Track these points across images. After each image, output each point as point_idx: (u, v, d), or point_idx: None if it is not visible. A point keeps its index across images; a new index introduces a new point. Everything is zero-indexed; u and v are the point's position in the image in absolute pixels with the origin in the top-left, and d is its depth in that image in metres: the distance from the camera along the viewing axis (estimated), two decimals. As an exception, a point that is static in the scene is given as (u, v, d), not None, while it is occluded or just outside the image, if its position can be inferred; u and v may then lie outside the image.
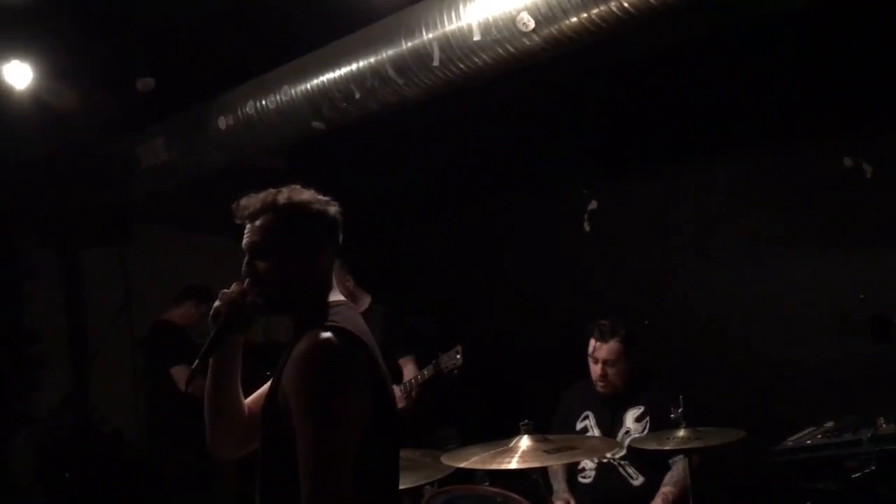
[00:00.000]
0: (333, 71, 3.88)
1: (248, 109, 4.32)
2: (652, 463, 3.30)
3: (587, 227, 4.67)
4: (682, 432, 3.08)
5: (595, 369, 3.54)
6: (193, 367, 1.95)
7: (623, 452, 3.45)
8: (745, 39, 3.94)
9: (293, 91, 4.08)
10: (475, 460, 2.86)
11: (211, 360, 1.98)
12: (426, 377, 4.25)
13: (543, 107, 4.67)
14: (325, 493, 1.69)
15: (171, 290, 5.20)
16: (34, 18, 3.77)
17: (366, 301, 4.65)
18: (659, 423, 3.32)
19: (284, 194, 1.96)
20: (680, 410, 3.11)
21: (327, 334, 1.80)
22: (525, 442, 2.87)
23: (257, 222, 1.94)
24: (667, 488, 3.31)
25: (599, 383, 3.53)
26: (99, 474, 5.20)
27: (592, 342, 3.54)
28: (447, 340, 4.22)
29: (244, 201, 1.97)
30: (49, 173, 5.15)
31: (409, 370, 4.46)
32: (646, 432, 3.44)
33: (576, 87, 4.50)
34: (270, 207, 1.94)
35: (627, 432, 3.49)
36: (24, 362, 5.28)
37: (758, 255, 4.05)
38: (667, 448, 3.04)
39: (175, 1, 3.94)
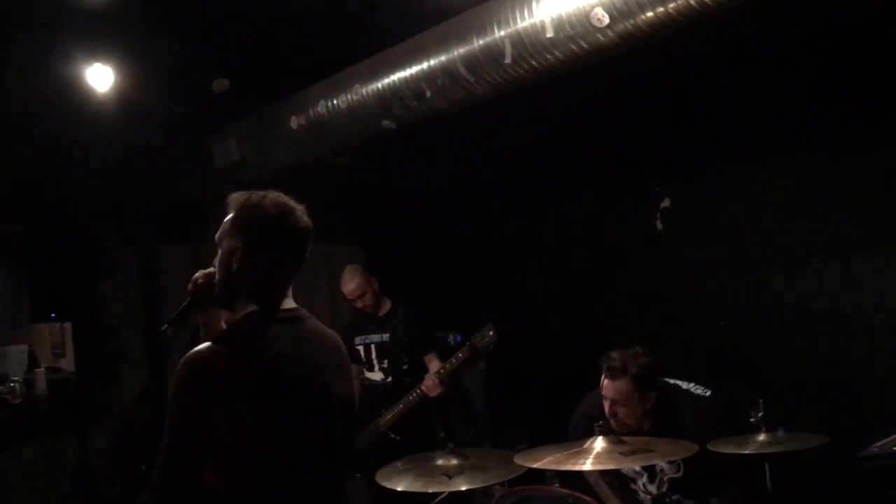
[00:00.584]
0: (404, 70, 3.90)
1: (319, 109, 4.38)
2: (711, 492, 3.10)
3: (659, 226, 4.58)
4: (761, 437, 2.99)
5: (605, 406, 3.23)
6: (163, 328, 2.18)
7: (665, 488, 3.26)
8: (825, 30, 3.81)
9: (364, 90, 4.12)
10: (548, 461, 2.82)
11: (201, 332, 2.14)
12: (461, 359, 4.28)
13: (614, 102, 4.60)
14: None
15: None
16: (115, 22, 3.88)
17: (386, 305, 4.73)
18: (694, 463, 3.03)
19: (254, 198, 2.01)
20: (760, 415, 3.02)
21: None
22: (599, 443, 2.82)
23: (226, 217, 2.05)
24: None
25: (611, 421, 3.18)
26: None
27: (602, 377, 3.24)
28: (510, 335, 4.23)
29: (232, 196, 2.06)
30: (128, 173, 5.30)
31: (433, 365, 4.55)
32: (681, 473, 3.17)
33: (648, 82, 4.42)
34: (236, 206, 2.02)
35: (663, 471, 3.23)
36: (103, 357, 5.45)
37: (842, 256, 3.91)
38: (745, 452, 2.95)
39: (249, 3, 4.01)
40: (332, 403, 1.97)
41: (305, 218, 2.03)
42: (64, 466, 5.29)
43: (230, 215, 2.02)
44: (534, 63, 3.44)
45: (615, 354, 3.22)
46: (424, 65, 3.79)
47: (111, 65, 4.12)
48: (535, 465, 2.84)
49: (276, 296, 2.01)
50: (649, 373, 3.19)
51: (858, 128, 3.80)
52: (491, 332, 4.16)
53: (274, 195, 2.02)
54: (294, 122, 4.52)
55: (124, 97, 4.29)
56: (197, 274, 2.09)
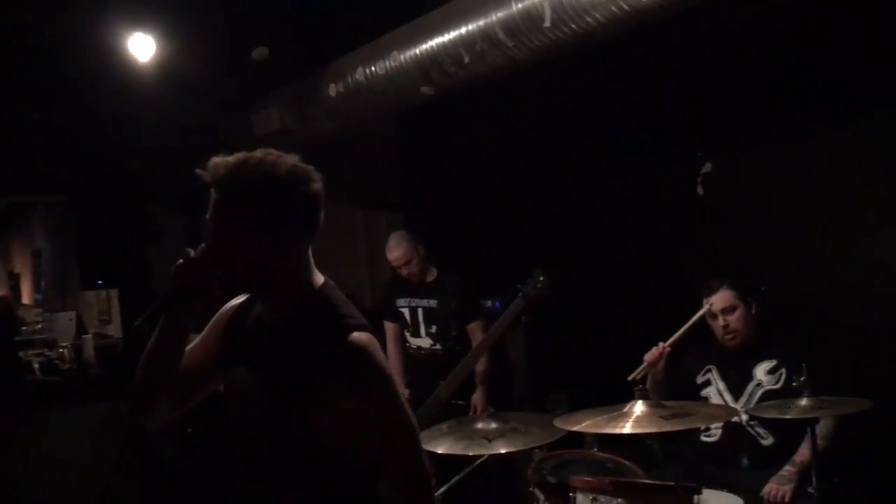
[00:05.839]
0: (443, 35, 3.88)
1: (357, 76, 4.38)
2: (783, 422, 3.12)
3: (700, 191, 4.54)
4: (804, 401, 2.97)
5: (717, 325, 3.51)
6: (137, 323, 1.83)
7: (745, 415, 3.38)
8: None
9: (402, 57, 4.11)
10: (588, 424, 2.84)
11: (161, 322, 1.85)
12: (516, 312, 4.19)
13: (655, 67, 4.54)
14: None
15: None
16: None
17: (432, 272, 4.73)
18: (796, 374, 3.14)
19: (254, 160, 1.76)
20: (803, 379, 3.00)
21: (365, 333, 1.78)
22: (639, 407, 2.83)
23: (220, 189, 1.77)
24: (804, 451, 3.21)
25: (727, 337, 3.49)
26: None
27: (705, 301, 3.52)
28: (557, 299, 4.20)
29: (213, 161, 1.78)
30: (172, 142, 5.37)
31: (476, 335, 4.56)
32: (780, 384, 3.37)
33: (689, 47, 4.35)
34: (235, 173, 1.75)
35: (759, 384, 3.43)
36: (150, 324, 5.56)
37: (885, 221, 3.84)
38: (788, 417, 2.94)
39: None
40: None
41: (318, 176, 1.83)
42: (115, 430, 5.43)
43: (222, 190, 1.76)
44: (574, 26, 3.40)
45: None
46: (463, 30, 3.77)
47: (152, 34, 4.16)
48: (575, 429, 2.86)
49: (311, 272, 1.86)
50: (746, 282, 3.53)
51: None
52: (542, 278, 4.09)
53: (270, 157, 1.78)
54: (333, 90, 4.53)
55: (166, 66, 4.34)
56: (188, 257, 1.84)
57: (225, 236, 1.78)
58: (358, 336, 1.73)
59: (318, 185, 1.81)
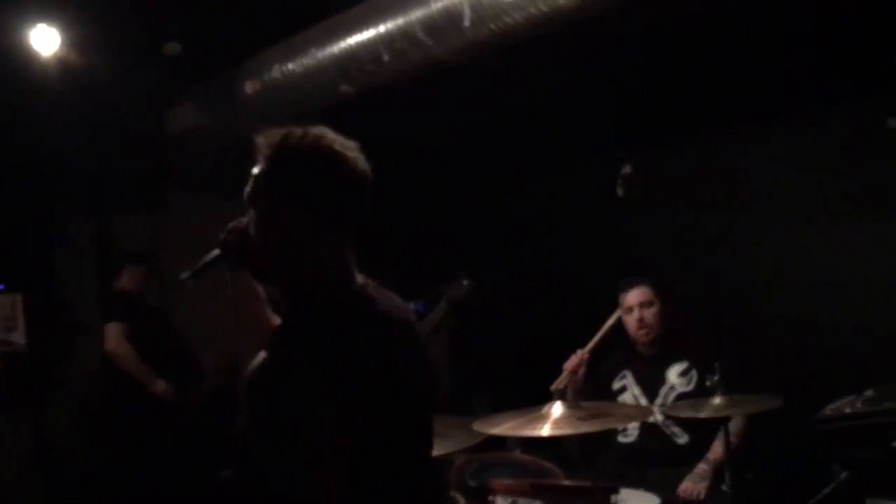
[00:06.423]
0: (361, 33, 3.83)
1: (274, 73, 4.29)
2: (697, 421, 3.17)
3: (620, 192, 4.59)
4: (717, 399, 3.02)
5: (631, 320, 3.54)
6: (182, 277, 1.93)
7: (660, 415, 3.42)
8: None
9: (320, 54, 4.04)
10: (507, 426, 2.82)
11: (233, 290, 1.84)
12: (440, 315, 4.17)
13: (577, 70, 4.56)
14: None
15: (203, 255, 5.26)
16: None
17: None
18: (709, 374, 3.19)
19: (294, 136, 1.58)
20: (716, 378, 3.04)
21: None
22: (557, 409, 2.83)
23: (258, 166, 1.61)
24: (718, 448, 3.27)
25: (641, 332, 3.52)
26: (133, 439, 5.26)
27: (622, 297, 3.56)
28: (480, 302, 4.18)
29: (263, 131, 1.63)
30: (80, 139, 5.15)
31: None
32: (692, 386, 3.42)
33: (611, 50, 4.38)
34: (270, 146, 1.60)
35: (672, 388, 3.48)
36: (56, 329, 5.33)
37: (799, 222, 3.96)
38: (701, 416, 2.99)
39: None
40: (424, 414, 1.69)
41: (363, 159, 1.62)
42: (21, 441, 5.19)
43: (259, 167, 1.60)
44: (493, 26, 3.39)
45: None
46: (382, 28, 3.72)
47: (56, 26, 3.97)
48: (493, 432, 2.84)
49: (345, 271, 1.62)
50: (664, 280, 3.59)
51: (821, 97, 3.82)
52: (465, 282, 4.07)
53: (317, 133, 1.59)
54: (249, 88, 4.42)
55: (72, 60, 4.15)
56: (231, 224, 1.73)
57: (251, 209, 1.63)
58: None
59: (355, 171, 1.60)
